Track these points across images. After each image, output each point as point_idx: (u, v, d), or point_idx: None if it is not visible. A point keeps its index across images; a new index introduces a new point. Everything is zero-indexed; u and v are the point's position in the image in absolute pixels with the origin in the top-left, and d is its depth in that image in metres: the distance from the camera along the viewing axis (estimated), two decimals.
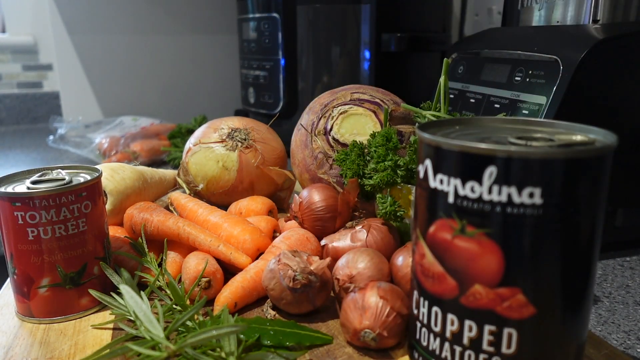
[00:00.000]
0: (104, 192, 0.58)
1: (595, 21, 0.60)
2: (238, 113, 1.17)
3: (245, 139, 0.67)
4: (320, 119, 0.62)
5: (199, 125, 1.03)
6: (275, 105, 1.00)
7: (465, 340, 0.33)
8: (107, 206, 0.58)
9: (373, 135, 0.54)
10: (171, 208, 0.62)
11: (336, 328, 0.44)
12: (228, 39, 1.53)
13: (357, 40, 0.96)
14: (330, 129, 0.61)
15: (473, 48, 0.72)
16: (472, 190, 0.30)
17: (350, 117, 0.61)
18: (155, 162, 1.06)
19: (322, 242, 0.52)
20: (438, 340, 0.34)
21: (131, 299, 0.39)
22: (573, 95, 0.52)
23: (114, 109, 1.46)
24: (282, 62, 0.97)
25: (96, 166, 0.51)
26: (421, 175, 0.34)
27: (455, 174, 0.31)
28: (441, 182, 0.32)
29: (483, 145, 0.29)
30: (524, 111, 0.57)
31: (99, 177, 0.47)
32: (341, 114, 0.61)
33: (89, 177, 0.47)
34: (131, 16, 1.43)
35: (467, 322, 0.32)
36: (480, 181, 0.30)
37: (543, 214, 0.29)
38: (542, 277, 0.30)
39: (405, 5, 0.97)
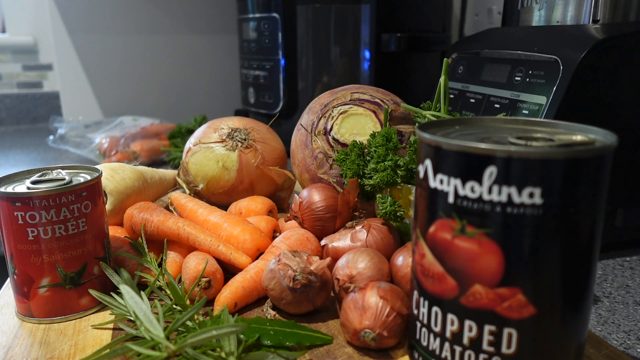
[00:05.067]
0: (104, 192, 0.58)
1: (595, 21, 0.60)
2: (238, 113, 1.17)
3: (245, 139, 0.67)
4: (320, 119, 0.62)
5: (199, 125, 1.03)
6: (275, 105, 1.00)
7: (465, 340, 0.33)
8: (107, 206, 0.58)
9: (373, 135, 0.54)
10: (171, 208, 0.62)
11: (336, 328, 0.44)
12: (228, 39, 1.53)
13: (357, 40, 0.96)
14: (330, 129, 0.61)
15: (473, 48, 0.72)
16: (472, 190, 0.30)
17: (350, 117, 0.61)
18: (155, 162, 1.06)
19: (322, 242, 0.52)
20: (438, 340, 0.34)
21: (131, 299, 0.39)
22: (573, 95, 0.52)
23: (114, 109, 1.46)
24: (282, 62, 0.97)
25: (96, 166, 0.51)
26: (421, 175, 0.34)
27: (455, 174, 0.31)
28: (441, 182, 0.32)
29: (483, 145, 0.29)
30: (524, 111, 0.57)
31: (99, 177, 0.47)
32: (341, 114, 0.61)
33: (89, 177, 0.47)
34: (131, 16, 1.43)
35: (467, 322, 0.32)
36: (480, 181, 0.30)
37: (543, 214, 0.29)
38: (542, 277, 0.30)
39: (405, 5, 0.97)
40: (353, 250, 0.46)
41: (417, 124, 0.48)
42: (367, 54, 0.96)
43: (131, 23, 1.43)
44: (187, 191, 0.68)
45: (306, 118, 0.64)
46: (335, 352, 0.40)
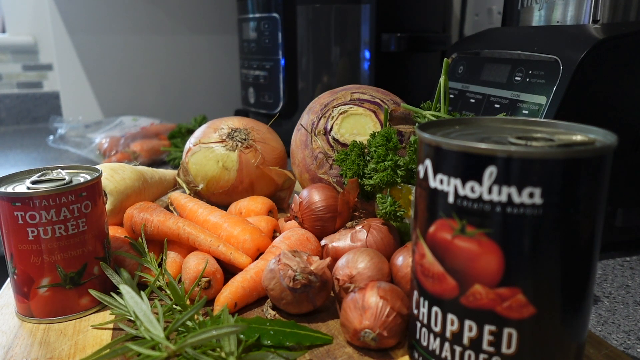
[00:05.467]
0: (104, 192, 0.58)
1: (595, 21, 0.60)
2: (238, 113, 1.17)
3: (245, 139, 0.67)
4: (320, 119, 0.62)
5: (199, 125, 1.03)
6: (275, 105, 1.00)
7: (465, 340, 0.33)
8: (107, 206, 0.58)
9: (373, 135, 0.54)
10: (171, 208, 0.62)
11: (336, 328, 0.44)
12: (228, 39, 1.53)
13: (357, 40, 0.96)
14: (330, 129, 0.61)
15: (473, 48, 0.72)
16: (472, 190, 0.30)
17: (350, 117, 0.61)
18: (155, 162, 1.06)
19: (322, 242, 0.52)
20: (438, 340, 0.34)
21: (131, 299, 0.39)
22: (573, 95, 0.52)
23: (114, 109, 1.47)
24: (282, 62, 0.97)
25: (96, 166, 0.51)
26: (421, 175, 0.34)
27: (455, 174, 0.31)
28: (441, 182, 0.32)
29: (483, 145, 0.29)
30: (524, 111, 0.57)
31: (99, 177, 0.47)
32: (341, 114, 0.61)
33: (89, 177, 0.47)
34: (132, 16, 1.43)
35: (467, 322, 0.32)
36: (480, 181, 0.30)
37: (543, 214, 0.29)
38: (542, 277, 0.30)
39: (405, 5, 0.97)
40: (353, 250, 0.46)
41: (417, 124, 0.48)
42: (367, 54, 0.96)
43: (131, 23, 1.43)
44: (187, 191, 0.68)
45: (306, 118, 0.64)
46: (335, 352, 0.40)
